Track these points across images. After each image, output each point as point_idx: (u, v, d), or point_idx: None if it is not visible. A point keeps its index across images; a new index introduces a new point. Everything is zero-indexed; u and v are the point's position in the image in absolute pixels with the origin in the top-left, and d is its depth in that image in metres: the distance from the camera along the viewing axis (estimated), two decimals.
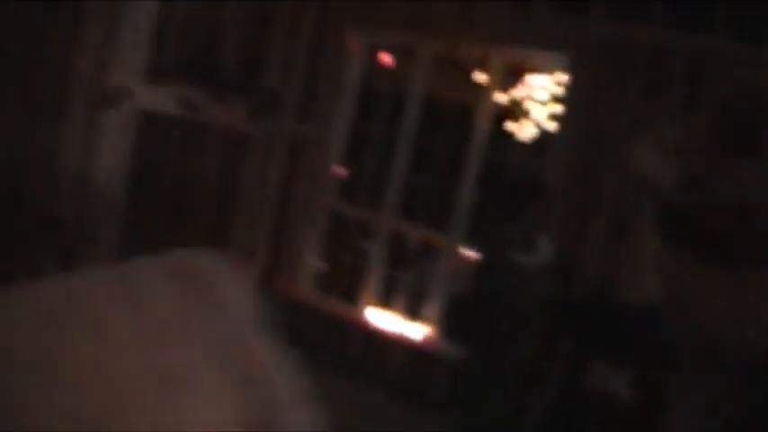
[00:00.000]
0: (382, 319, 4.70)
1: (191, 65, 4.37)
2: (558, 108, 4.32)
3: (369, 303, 4.76)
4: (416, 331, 4.55)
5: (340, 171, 4.92)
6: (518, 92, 5.39)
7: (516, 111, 5.37)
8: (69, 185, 4.05)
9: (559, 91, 4.53)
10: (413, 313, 4.66)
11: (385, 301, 4.80)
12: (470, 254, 4.47)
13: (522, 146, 5.36)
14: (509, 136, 5.37)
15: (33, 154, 4.03)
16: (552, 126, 4.89)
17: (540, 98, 5.34)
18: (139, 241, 4.37)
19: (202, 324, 0.48)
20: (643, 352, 1.28)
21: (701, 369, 1.20)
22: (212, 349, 0.47)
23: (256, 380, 0.48)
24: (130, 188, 4.26)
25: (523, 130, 5.39)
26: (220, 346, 0.48)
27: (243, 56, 4.58)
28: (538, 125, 5.40)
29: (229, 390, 0.46)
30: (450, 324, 4.21)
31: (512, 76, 5.13)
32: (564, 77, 4.13)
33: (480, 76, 4.84)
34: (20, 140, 4.01)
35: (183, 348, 0.46)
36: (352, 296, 4.82)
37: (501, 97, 4.88)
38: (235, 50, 4.55)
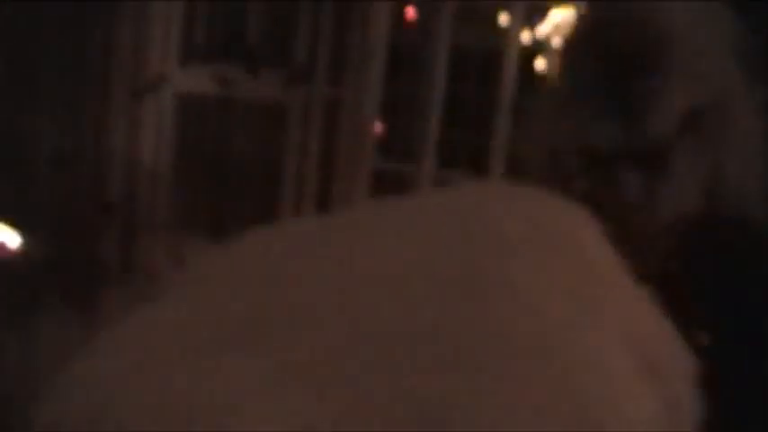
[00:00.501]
0: None
1: (221, 43, 4.48)
2: None
3: None
4: None
5: (377, 129, 5.01)
6: (542, 29, 5.41)
7: (543, 49, 5.39)
8: (118, 173, 4.20)
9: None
10: None
11: None
12: None
13: None
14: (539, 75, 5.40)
15: (80, 145, 4.18)
16: None
17: (565, 32, 5.35)
18: (190, 221, 4.52)
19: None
20: None
21: None
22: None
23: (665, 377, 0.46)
24: (176, 171, 4.40)
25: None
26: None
27: (271, 28, 4.67)
28: None
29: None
30: None
31: (536, 14, 5.16)
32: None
33: (504, 19, 4.89)
34: (66, 134, 4.16)
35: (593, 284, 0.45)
36: None
37: (526, 37, 4.93)
38: (263, 23, 4.64)
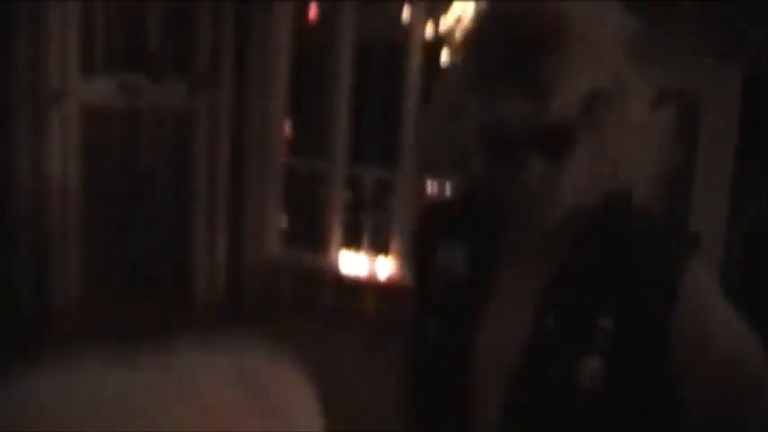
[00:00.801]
0: (350, 262, 4.85)
1: (123, 52, 4.44)
2: None
3: (335, 250, 4.91)
4: (385, 269, 4.71)
5: (286, 128, 5.03)
6: (447, 22, 5.47)
7: (448, 41, 5.45)
8: (25, 189, 4.13)
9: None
10: (379, 252, 4.82)
11: (351, 246, 4.95)
12: (427, 188, 4.63)
13: None
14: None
15: None
16: None
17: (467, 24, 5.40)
18: (102, 235, 4.48)
19: None
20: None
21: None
22: None
23: None
24: (84, 183, 4.35)
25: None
26: None
27: (173, 34, 4.64)
28: None
29: None
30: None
31: (440, 6, 5.21)
32: None
33: (407, 13, 4.94)
34: None
35: None
36: (318, 246, 4.97)
37: (429, 31, 4.99)
38: (164, 30, 4.61)
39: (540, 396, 1.25)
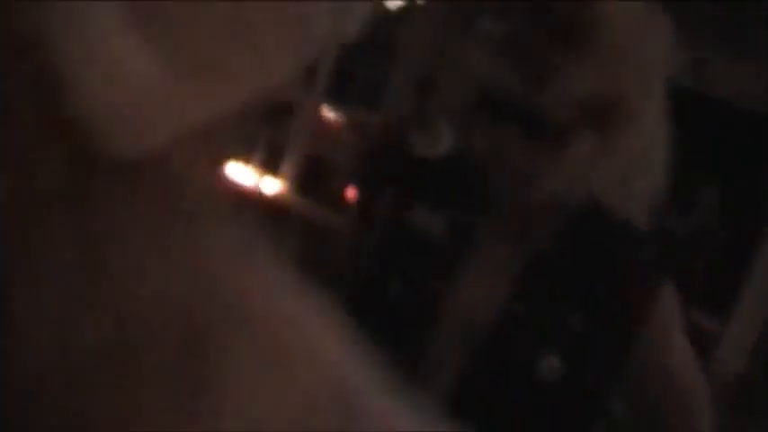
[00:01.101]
0: (238, 173, 4.74)
1: None
2: None
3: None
4: (272, 186, 4.63)
5: None
6: None
7: None
8: None
9: None
10: (270, 169, 4.73)
11: (241, 157, 4.83)
12: (332, 114, 4.55)
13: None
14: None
15: None
16: None
17: None
18: None
19: None
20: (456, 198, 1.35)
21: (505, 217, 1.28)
22: None
23: None
24: None
25: None
26: None
27: None
28: None
29: None
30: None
31: None
32: None
33: None
34: None
35: None
36: None
37: None
38: None
39: (494, 380, 1.23)
